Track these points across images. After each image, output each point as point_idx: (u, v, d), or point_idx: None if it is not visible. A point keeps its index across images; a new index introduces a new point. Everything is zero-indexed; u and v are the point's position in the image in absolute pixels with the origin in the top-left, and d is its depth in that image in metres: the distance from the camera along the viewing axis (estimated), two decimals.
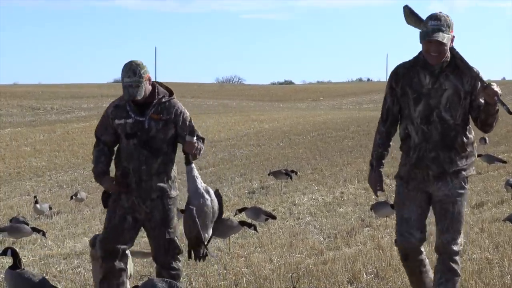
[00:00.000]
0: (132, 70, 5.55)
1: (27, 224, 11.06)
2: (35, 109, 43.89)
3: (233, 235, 9.18)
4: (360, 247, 8.52)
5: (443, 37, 4.74)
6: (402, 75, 5.00)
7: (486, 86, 4.67)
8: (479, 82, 4.83)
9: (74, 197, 15.22)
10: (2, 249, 6.37)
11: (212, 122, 33.45)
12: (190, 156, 5.75)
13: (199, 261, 5.82)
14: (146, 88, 5.69)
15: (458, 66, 4.89)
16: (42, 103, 46.84)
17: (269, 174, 15.57)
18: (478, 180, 13.54)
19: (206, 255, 5.71)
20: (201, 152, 5.90)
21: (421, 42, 4.87)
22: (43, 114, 42.04)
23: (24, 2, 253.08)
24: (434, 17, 4.81)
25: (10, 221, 11.60)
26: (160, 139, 5.75)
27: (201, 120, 34.62)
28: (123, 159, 5.77)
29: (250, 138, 26.69)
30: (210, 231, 5.74)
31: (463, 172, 5.01)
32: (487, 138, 18.25)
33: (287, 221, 11.17)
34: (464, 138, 4.97)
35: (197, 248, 5.63)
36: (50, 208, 14.66)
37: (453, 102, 4.90)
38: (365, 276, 6.73)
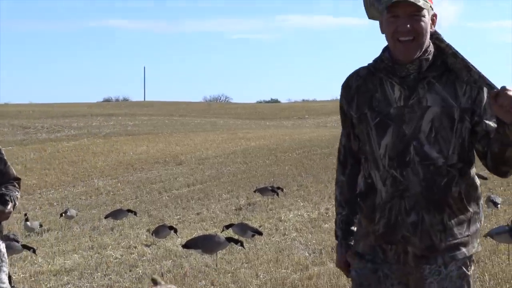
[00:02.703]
0: None
1: (18, 242, 11.01)
2: (26, 128, 43.80)
3: (220, 251, 9.20)
4: None
5: (417, 0, 2.73)
6: (357, 89, 2.93)
7: (498, 92, 2.55)
8: (484, 93, 2.78)
9: (64, 214, 15.21)
10: None
11: (200, 140, 33.50)
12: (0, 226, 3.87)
13: None
14: None
15: (448, 67, 2.82)
16: (32, 122, 46.76)
17: (255, 191, 15.62)
18: None
19: None
20: (17, 204, 4.03)
21: (382, 28, 2.87)
22: (34, 133, 41.94)
23: (15, 24, 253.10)
24: None
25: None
26: None
27: (189, 138, 34.73)
28: None
29: (237, 156, 26.73)
30: None
31: (463, 249, 2.86)
32: None
33: (273, 237, 11.18)
34: (464, 190, 2.86)
35: None
36: (41, 225, 14.66)
37: (441, 128, 2.78)
38: None
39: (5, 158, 4.12)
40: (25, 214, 15.18)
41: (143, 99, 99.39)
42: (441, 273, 2.85)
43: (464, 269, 2.87)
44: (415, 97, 2.81)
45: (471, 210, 2.89)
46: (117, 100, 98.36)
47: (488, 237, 8.77)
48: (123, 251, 11.16)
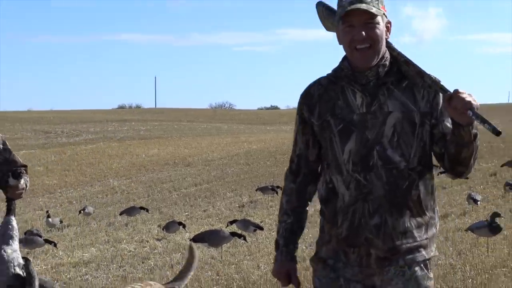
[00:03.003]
0: None
1: (40, 236, 11.04)
2: (47, 133, 43.79)
3: (225, 244, 9.21)
4: None
5: (370, 7, 2.52)
6: (319, 97, 2.68)
7: (451, 95, 2.38)
8: (440, 96, 2.58)
9: (82, 211, 15.26)
10: None
11: (206, 143, 33.49)
12: (13, 204, 3.60)
13: None
14: None
15: (404, 75, 2.62)
16: (53, 127, 46.78)
17: (257, 190, 15.65)
18: (443, 194, 13.61)
19: None
20: (27, 187, 3.75)
21: (340, 38, 2.63)
22: (55, 137, 41.93)
23: (37, 37, 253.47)
24: None
25: (25, 233, 11.57)
26: None
27: (196, 141, 34.71)
28: None
29: (240, 158, 26.70)
30: None
31: (423, 252, 2.64)
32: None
33: (273, 231, 11.16)
34: (422, 193, 2.62)
35: None
36: (61, 221, 14.68)
37: (403, 132, 2.56)
38: None
39: (9, 147, 3.90)
40: (47, 211, 15.21)
41: (154, 106, 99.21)
42: (405, 274, 2.61)
43: (426, 270, 2.65)
44: (376, 103, 2.60)
45: (428, 214, 2.65)
46: (130, 107, 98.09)
47: (469, 231, 8.81)
48: (136, 245, 11.16)
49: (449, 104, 2.37)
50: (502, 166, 16.95)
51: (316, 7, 2.79)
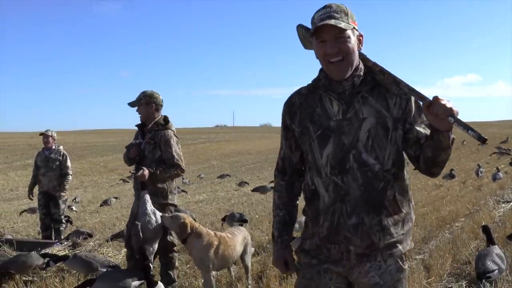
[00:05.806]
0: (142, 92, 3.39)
1: (179, 188, 11.12)
2: (182, 138, 43.64)
3: (269, 193, 8.98)
4: None
5: (339, 23, 1.37)
6: (299, 105, 1.52)
7: (431, 102, 1.21)
8: (412, 103, 1.43)
9: (198, 176, 15.35)
10: None
11: (258, 143, 33.71)
12: (144, 184, 3.21)
13: (145, 270, 2.87)
14: (146, 108, 3.38)
15: (378, 83, 1.46)
16: (185, 135, 46.31)
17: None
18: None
19: (149, 266, 2.93)
20: (170, 176, 3.27)
21: (315, 52, 1.47)
22: (186, 140, 41.28)
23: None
24: (322, 7, 1.44)
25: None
26: (149, 159, 3.32)
27: (253, 142, 34.70)
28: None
29: (276, 151, 26.34)
30: (154, 246, 3.15)
31: (399, 246, 1.48)
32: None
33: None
34: (398, 192, 1.45)
35: (142, 258, 3.02)
36: (189, 181, 14.71)
37: (377, 136, 1.42)
38: None
39: (173, 152, 3.28)
40: (183, 178, 15.37)
41: (232, 125, 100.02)
42: (381, 268, 1.52)
43: (400, 263, 1.53)
44: (352, 111, 1.49)
45: (404, 211, 1.52)
46: (221, 125, 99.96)
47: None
48: (225, 193, 11.26)
49: (429, 111, 1.32)
50: (491, 155, 13.68)
51: (297, 29, 1.66)
